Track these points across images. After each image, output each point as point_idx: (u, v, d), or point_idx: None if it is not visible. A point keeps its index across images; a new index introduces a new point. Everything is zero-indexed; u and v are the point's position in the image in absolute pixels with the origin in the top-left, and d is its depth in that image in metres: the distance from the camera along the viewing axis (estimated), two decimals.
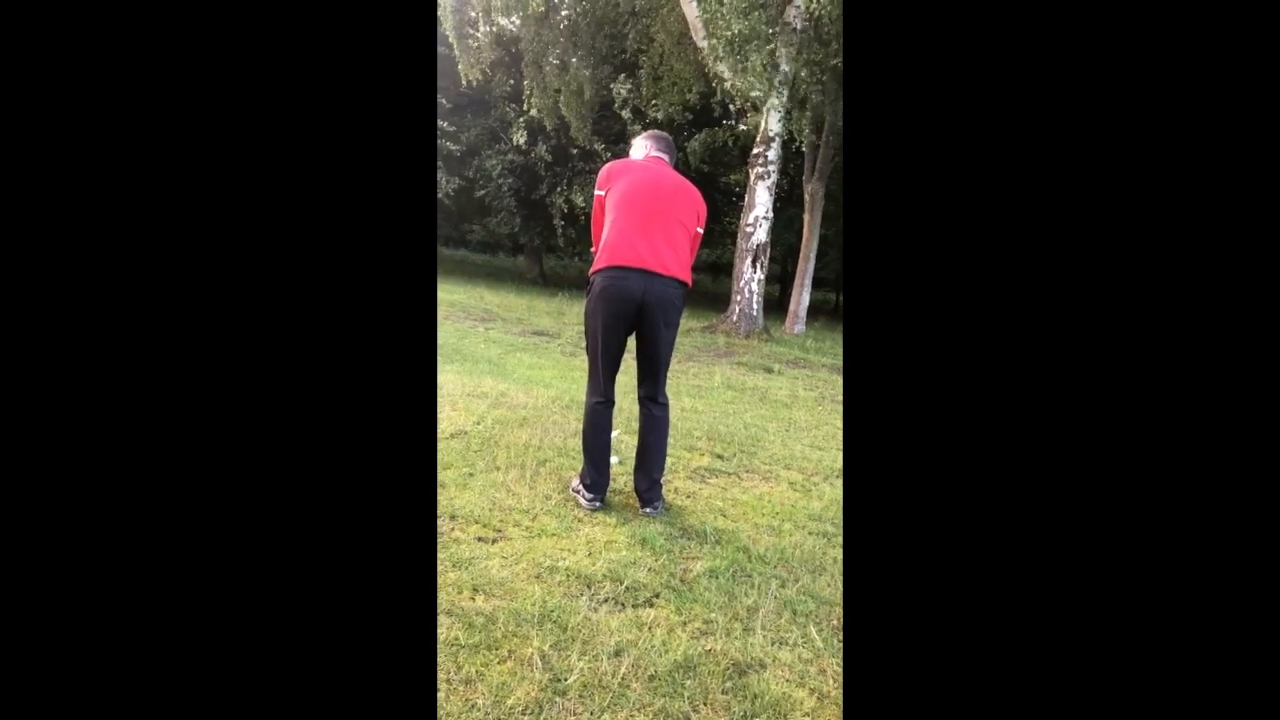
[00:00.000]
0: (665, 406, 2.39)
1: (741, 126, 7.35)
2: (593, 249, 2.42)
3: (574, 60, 10.43)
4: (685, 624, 1.67)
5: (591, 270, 2.34)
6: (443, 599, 1.65)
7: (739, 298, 8.02)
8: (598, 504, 2.32)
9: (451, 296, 9.20)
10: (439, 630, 1.51)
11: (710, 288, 17.43)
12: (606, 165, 2.45)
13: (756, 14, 6.48)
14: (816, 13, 6.38)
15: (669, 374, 2.47)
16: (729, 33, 6.44)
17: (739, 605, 1.78)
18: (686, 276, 2.34)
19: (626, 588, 1.80)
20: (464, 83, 10.67)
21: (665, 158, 2.48)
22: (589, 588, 1.79)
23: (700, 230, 2.41)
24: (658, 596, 1.79)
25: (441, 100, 12.40)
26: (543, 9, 9.11)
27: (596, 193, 2.41)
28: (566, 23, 10.56)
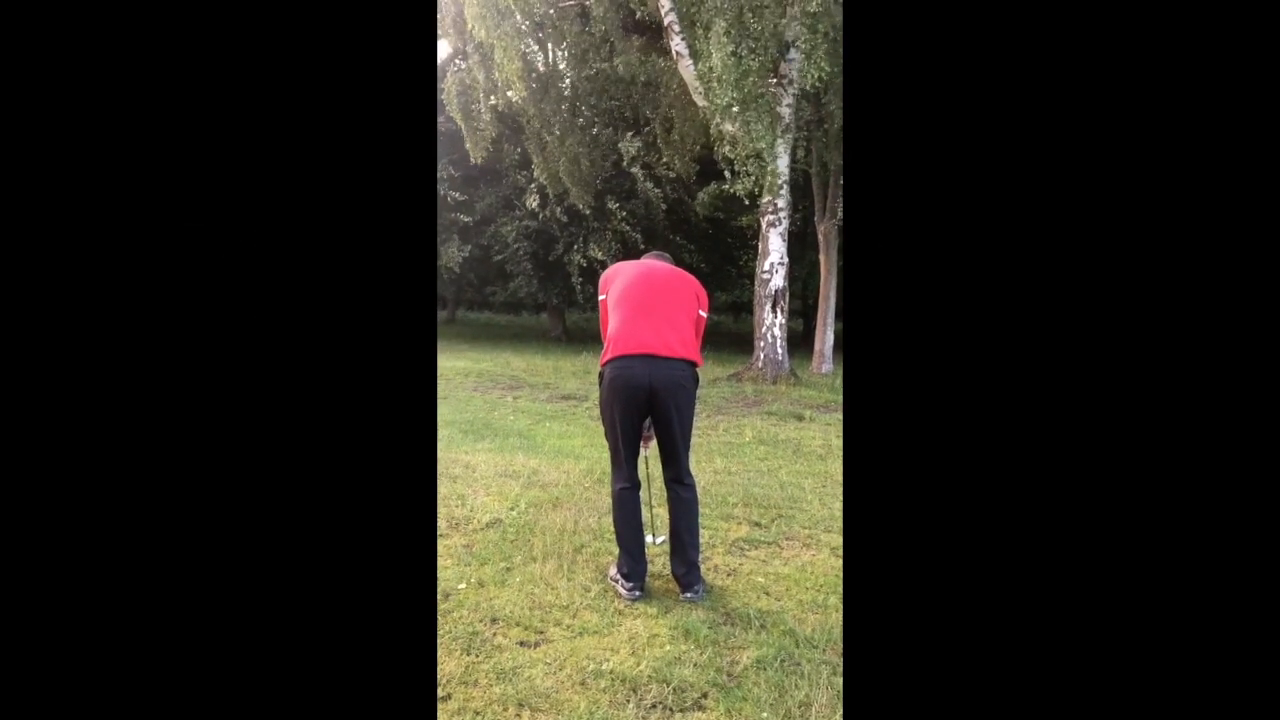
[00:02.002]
0: (691, 487, 2.38)
1: (748, 175, 7.43)
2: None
3: (578, 126, 10.73)
4: None
5: (600, 363, 2.37)
6: (489, 719, 1.63)
7: (762, 344, 8.01)
8: (637, 594, 2.30)
9: (479, 365, 9.32)
10: None
11: (732, 328, 17.45)
12: (605, 271, 2.53)
13: (751, 80, 6.65)
14: (809, 83, 6.54)
15: (693, 446, 2.46)
16: (726, 99, 6.60)
17: (790, 701, 1.73)
18: (695, 357, 2.36)
19: (673, 689, 1.77)
20: (472, 161, 11.04)
21: (661, 260, 2.56)
22: (635, 693, 1.75)
23: (703, 314, 2.45)
24: (705, 697, 1.75)
25: (453, 172, 12.81)
26: (539, 86, 9.44)
27: (599, 297, 2.48)
28: (569, 91, 10.92)
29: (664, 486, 2.44)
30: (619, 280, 2.42)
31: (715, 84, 6.71)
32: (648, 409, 2.31)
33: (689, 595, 2.30)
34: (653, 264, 2.49)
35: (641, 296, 2.35)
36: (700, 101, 7.55)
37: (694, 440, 2.60)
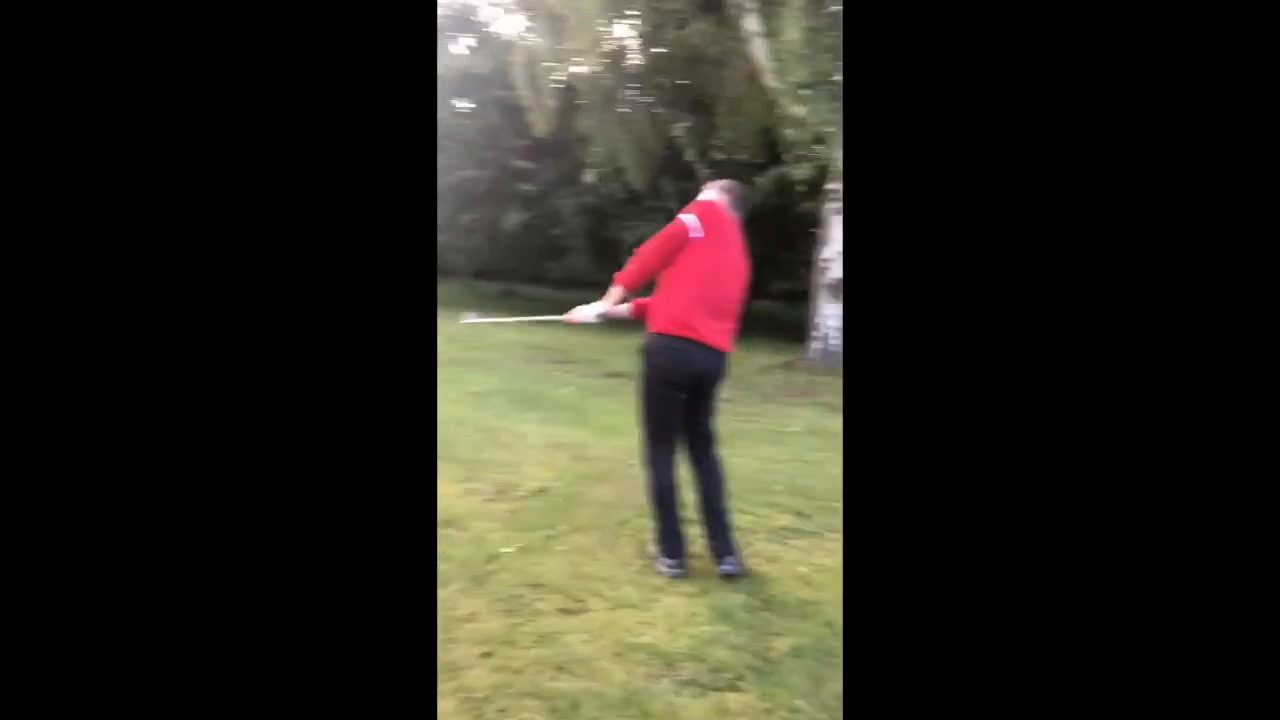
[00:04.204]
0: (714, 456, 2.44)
1: (809, 162, 7.26)
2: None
3: (643, 104, 10.63)
4: (770, 711, 1.63)
5: (655, 329, 2.34)
6: (526, 679, 1.68)
7: (816, 333, 7.87)
8: (678, 571, 2.31)
9: (532, 338, 9.45)
10: (524, 715, 1.54)
11: (789, 315, 17.22)
12: (692, 208, 2.37)
13: (822, 56, 6.47)
14: None
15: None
16: (796, 77, 6.46)
17: (826, 691, 1.72)
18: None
19: (709, 668, 1.78)
20: (534, 132, 11.10)
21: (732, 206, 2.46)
22: (670, 668, 1.77)
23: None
24: (741, 679, 1.75)
25: (521, 141, 12.96)
26: (606, 60, 9.39)
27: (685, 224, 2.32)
28: (637, 68, 10.82)
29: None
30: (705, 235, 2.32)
31: (787, 61, 6.57)
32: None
33: (726, 566, 2.29)
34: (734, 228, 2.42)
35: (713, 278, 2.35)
36: (771, 83, 7.39)
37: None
